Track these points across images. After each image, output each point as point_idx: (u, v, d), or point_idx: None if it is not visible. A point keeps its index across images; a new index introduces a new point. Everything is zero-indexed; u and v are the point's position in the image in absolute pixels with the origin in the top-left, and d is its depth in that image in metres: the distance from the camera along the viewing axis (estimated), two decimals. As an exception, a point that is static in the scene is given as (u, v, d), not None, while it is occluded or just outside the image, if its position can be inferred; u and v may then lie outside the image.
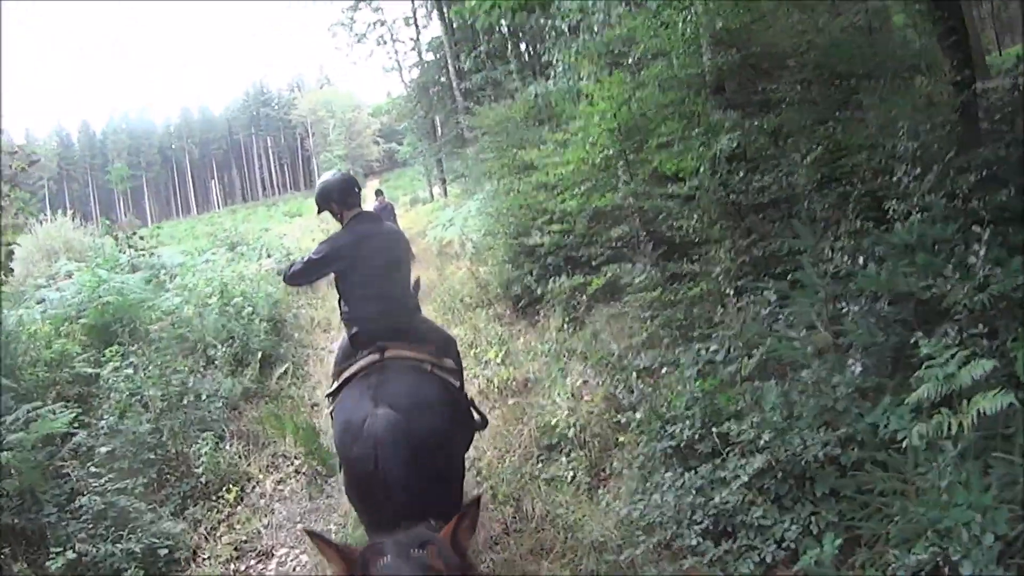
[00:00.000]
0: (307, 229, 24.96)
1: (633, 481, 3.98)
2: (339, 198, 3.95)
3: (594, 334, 6.04)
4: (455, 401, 3.56)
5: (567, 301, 6.93)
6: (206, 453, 5.58)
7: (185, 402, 6.09)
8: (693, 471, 3.57)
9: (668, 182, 5.57)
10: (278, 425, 6.05)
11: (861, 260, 3.68)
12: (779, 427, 3.34)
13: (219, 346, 7.51)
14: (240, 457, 5.94)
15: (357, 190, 4.05)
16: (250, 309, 8.64)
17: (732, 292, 4.58)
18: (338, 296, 3.91)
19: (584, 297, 6.63)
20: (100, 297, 7.68)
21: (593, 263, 6.47)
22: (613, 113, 5.78)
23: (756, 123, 5.13)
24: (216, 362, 7.38)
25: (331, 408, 3.67)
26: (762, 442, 3.32)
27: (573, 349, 6.21)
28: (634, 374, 4.69)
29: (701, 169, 5.09)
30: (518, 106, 9.61)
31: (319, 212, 4.10)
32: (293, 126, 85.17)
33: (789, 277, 4.11)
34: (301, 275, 3.99)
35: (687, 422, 3.80)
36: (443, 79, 25.38)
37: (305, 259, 3.96)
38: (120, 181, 67.85)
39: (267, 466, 5.94)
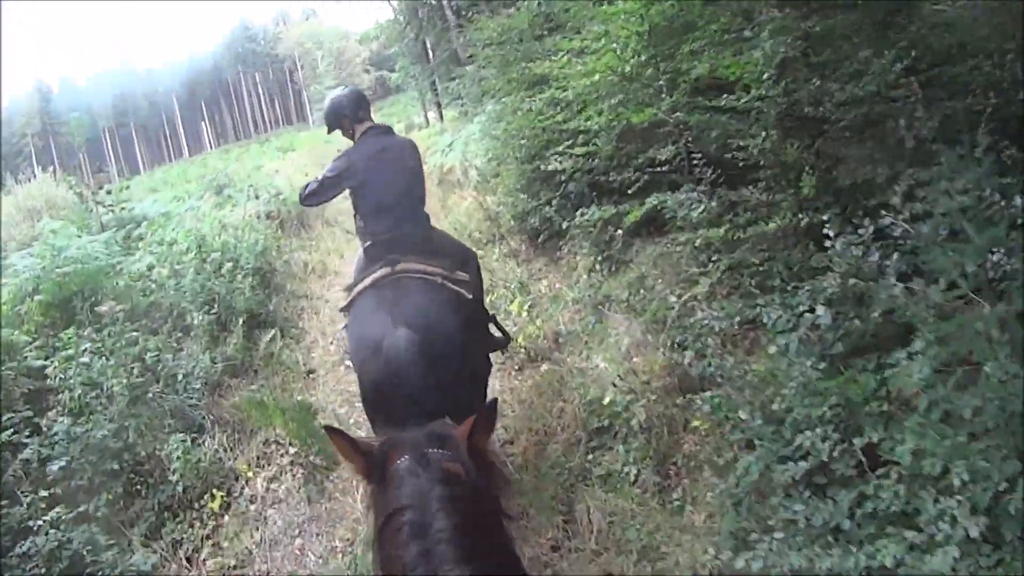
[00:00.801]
0: (300, 165, 23.72)
1: (728, 503, 2.89)
2: (351, 112, 3.99)
3: (639, 279, 4.92)
4: (469, 313, 3.51)
5: (596, 236, 5.76)
6: (181, 453, 4.60)
7: (154, 391, 5.05)
8: (831, 500, 2.39)
9: (717, 93, 4.36)
10: (264, 414, 5.09)
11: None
12: (964, 448, 2.18)
13: (196, 313, 6.42)
14: (224, 450, 4.99)
15: (367, 104, 4.06)
16: (231, 264, 7.54)
17: (825, 231, 3.23)
18: (353, 211, 4.00)
19: (619, 232, 5.44)
20: (58, 268, 6.56)
21: (628, 191, 5.29)
22: (642, 11, 4.58)
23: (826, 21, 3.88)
24: (193, 332, 6.34)
25: (345, 322, 3.72)
26: (957, 480, 2.10)
27: (611, 296, 5.16)
28: (707, 338, 3.52)
29: (764, 76, 3.90)
30: (522, 14, 8.33)
31: (330, 131, 4.18)
32: (281, 60, 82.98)
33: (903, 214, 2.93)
34: (316, 194, 3.99)
35: (817, 428, 2.57)
36: (432, -2, 23.81)
37: (320, 178, 3.96)
38: (79, 133, 64.79)
39: (257, 458, 4.97)
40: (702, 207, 4.13)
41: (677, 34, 4.78)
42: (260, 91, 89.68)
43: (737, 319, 3.55)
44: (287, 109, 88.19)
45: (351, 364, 3.59)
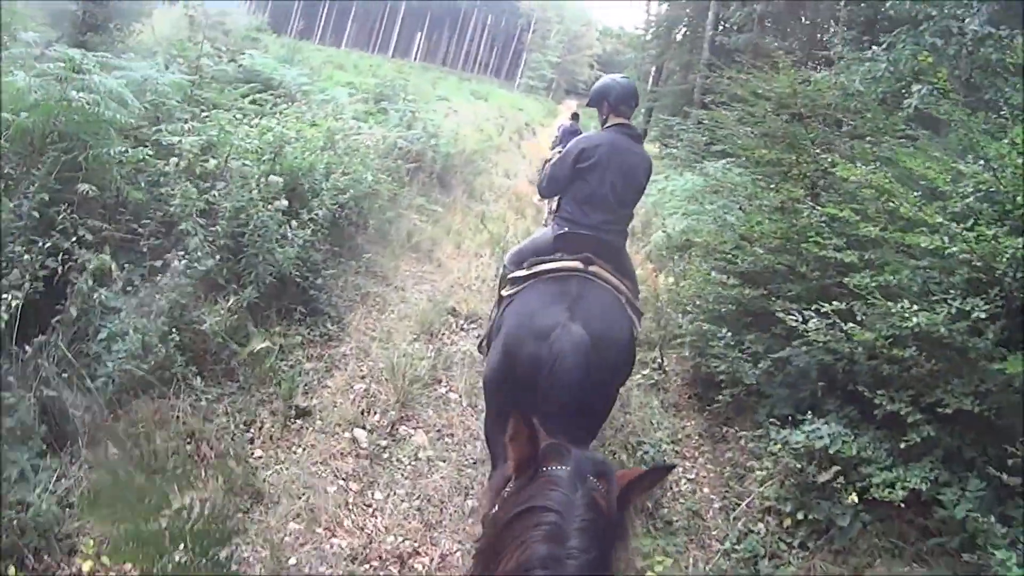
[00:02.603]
0: (480, 117, 22.02)
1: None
2: (615, 101, 3.81)
3: None
4: (632, 344, 3.31)
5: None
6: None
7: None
8: None
9: None
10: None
11: None
12: None
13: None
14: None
15: (635, 104, 3.92)
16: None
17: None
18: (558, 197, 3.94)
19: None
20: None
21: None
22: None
23: None
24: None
25: (510, 292, 3.40)
26: None
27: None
28: None
29: None
30: (840, 81, 5.99)
31: (589, 105, 4.07)
32: (518, 14, 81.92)
33: None
34: (554, 180, 3.81)
35: None
36: (695, 24, 21.49)
37: (553, 161, 4.00)
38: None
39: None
40: None
41: None
42: (486, 32, 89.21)
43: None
44: (501, 62, 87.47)
45: (495, 335, 3.37)
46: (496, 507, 1.52)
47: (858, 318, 3.82)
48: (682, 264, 6.64)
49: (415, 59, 79.23)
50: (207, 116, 5.71)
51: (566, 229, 3.59)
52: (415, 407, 4.79)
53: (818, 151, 4.96)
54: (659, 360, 5.64)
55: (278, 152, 5.70)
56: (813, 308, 3.97)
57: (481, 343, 4.46)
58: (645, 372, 5.44)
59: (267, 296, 5.21)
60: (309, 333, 5.35)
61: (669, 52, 23.30)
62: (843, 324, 3.75)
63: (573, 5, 74.00)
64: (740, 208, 5.98)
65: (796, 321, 4.05)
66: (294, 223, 5.21)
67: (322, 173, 6.12)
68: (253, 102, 8.44)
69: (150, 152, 4.71)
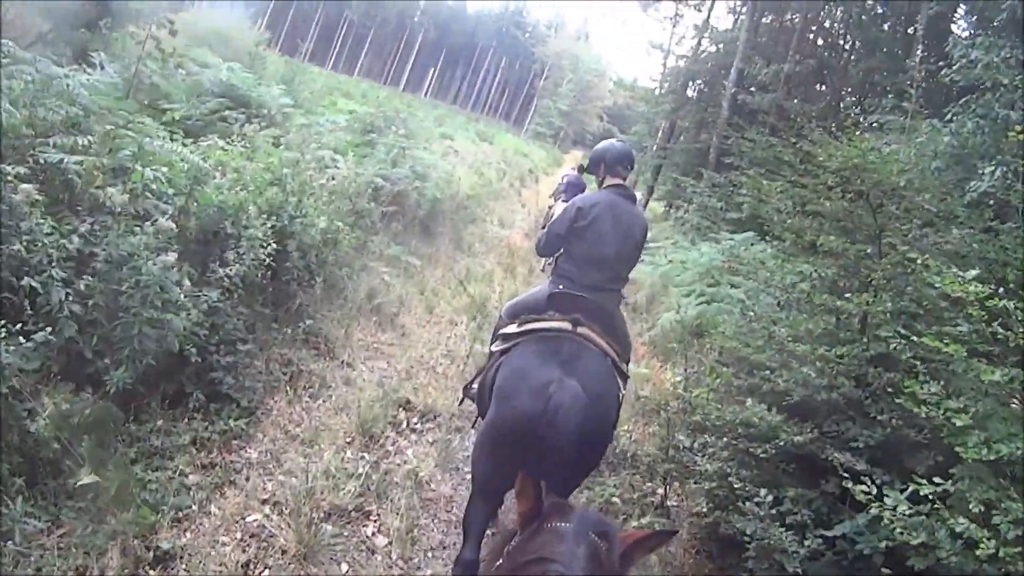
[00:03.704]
0: (480, 160, 20.79)
1: None
2: (611, 162, 3.93)
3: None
4: (617, 405, 3.38)
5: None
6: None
7: None
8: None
9: None
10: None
11: None
12: None
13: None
14: None
15: (631, 166, 4.00)
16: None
17: None
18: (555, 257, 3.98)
19: None
20: None
21: None
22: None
23: None
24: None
25: (500, 347, 3.44)
26: None
27: None
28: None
29: None
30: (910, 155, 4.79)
31: (587, 170, 4.20)
32: (533, 60, 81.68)
33: None
34: (551, 241, 3.82)
35: None
36: (713, 81, 20.49)
37: (553, 218, 4.06)
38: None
39: None
40: None
41: None
42: (499, 75, 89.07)
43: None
44: (512, 106, 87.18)
45: (485, 394, 3.39)
46: (501, 560, 1.51)
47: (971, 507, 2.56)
48: (696, 364, 5.36)
49: (426, 94, 79.00)
50: (129, 130, 4.53)
51: (560, 287, 3.58)
52: (322, 558, 3.45)
53: (896, 244, 3.73)
54: (663, 497, 4.33)
55: (192, 188, 4.46)
56: (900, 487, 2.70)
57: (468, 385, 4.17)
58: (645, 519, 4.07)
59: (153, 376, 3.94)
60: (206, 429, 4.06)
61: (683, 108, 22.23)
62: (950, 520, 2.47)
63: (587, 55, 73.59)
64: (779, 303, 4.72)
65: (868, 496, 2.77)
66: (187, 283, 3.92)
67: (255, 215, 4.86)
68: (223, 119, 7.66)
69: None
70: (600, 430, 3.05)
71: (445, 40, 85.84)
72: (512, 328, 3.46)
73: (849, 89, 15.95)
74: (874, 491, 2.78)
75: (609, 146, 4.03)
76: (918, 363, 2.99)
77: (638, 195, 25.05)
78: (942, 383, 2.94)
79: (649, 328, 7.48)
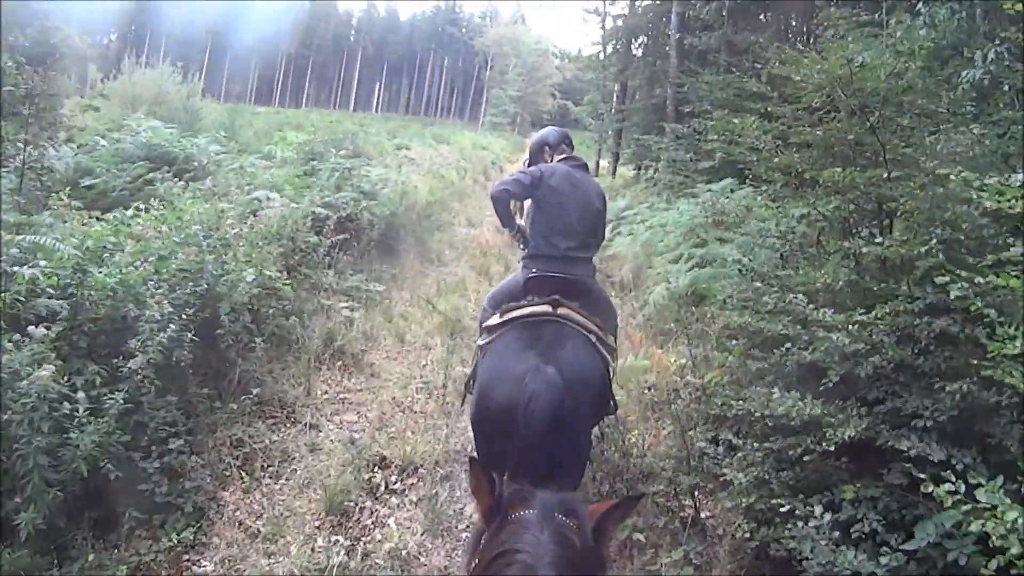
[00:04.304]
0: (441, 162, 20.19)
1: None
2: (554, 142, 4.01)
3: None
4: (607, 383, 3.37)
5: None
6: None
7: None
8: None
9: None
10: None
11: None
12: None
13: None
14: None
15: (571, 145, 4.06)
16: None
17: None
18: (521, 239, 3.90)
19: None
20: None
21: None
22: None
23: None
24: None
25: (485, 341, 3.41)
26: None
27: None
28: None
29: None
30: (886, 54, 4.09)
31: (530, 163, 4.07)
32: (475, 53, 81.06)
33: None
34: (508, 187, 3.71)
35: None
36: (656, 31, 19.84)
37: (515, 176, 3.80)
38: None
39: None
40: None
41: None
42: (445, 74, 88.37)
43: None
44: (464, 101, 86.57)
45: (471, 384, 3.53)
46: (476, 560, 1.47)
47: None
48: (699, 341, 4.69)
49: (376, 110, 78.26)
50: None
51: (534, 271, 3.57)
52: None
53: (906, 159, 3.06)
54: (695, 511, 3.65)
55: (81, 277, 3.76)
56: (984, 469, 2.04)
57: (468, 382, 3.95)
58: (677, 553, 3.38)
59: (73, 506, 3.28)
60: (149, 549, 3.39)
61: (631, 67, 21.55)
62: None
63: (527, 37, 72.93)
64: (781, 255, 4.06)
65: (950, 494, 2.11)
66: (81, 395, 3.22)
67: (165, 288, 4.16)
68: (148, 183, 7.33)
69: None
70: (580, 416, 2.94)
71: (385, 52, 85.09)
72: (494, 319, 3.41)
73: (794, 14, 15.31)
74: (961, 487, 2.12)
75: (547, 132, 4.14)
76: (981, 306, 2.31)
77: (604, 163, 24.29)
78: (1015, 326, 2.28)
79: (641, 307, 6.80)
